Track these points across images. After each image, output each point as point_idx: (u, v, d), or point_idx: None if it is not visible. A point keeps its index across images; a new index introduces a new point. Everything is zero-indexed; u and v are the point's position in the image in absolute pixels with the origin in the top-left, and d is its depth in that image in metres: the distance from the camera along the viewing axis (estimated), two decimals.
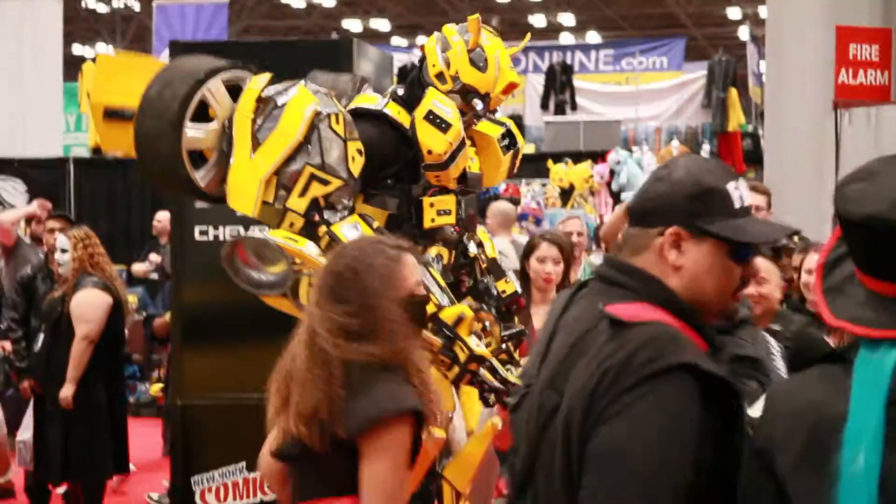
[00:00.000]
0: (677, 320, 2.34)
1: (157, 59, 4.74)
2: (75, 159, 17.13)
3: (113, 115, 4.57)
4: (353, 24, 32.90)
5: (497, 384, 4.32)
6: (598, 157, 17.01)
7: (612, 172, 17.01)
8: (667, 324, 2.31)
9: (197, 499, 6.07)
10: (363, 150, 4.49)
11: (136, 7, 29.97)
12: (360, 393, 3.34)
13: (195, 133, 4.46)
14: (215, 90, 4.50)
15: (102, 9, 30.69)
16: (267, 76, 4.56)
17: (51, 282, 8.43)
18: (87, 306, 7.94)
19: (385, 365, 3.38)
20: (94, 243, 8.16)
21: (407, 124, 4.68)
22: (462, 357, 4.24)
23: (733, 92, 18.60)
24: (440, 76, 4.72)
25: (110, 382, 8.12)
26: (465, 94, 4.73)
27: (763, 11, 27.40)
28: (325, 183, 4.34)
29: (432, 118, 4.63)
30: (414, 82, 4.79)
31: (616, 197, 16.68)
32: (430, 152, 4.64)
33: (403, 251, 3.59)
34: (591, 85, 22.05)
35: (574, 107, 20.73)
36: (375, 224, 4.43)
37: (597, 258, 7.81)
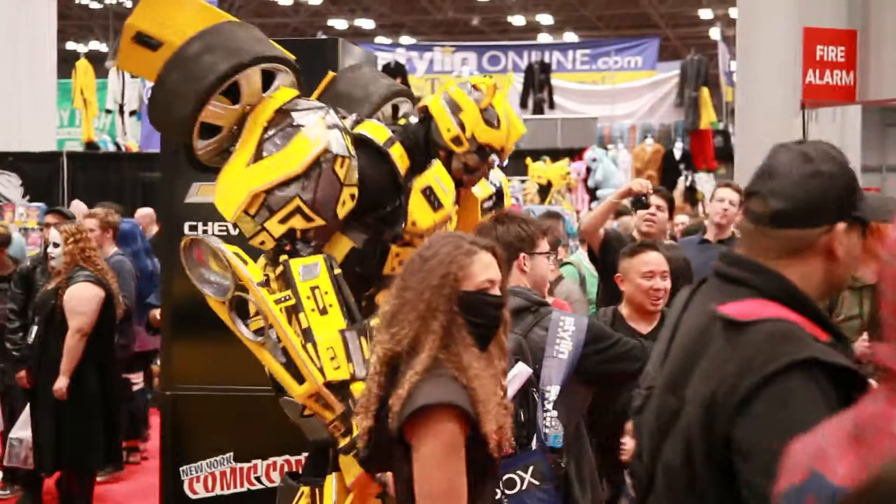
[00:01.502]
0: (795, 313, 2.23)
1: (214, 9, 4.56)
2: (69, 153, 17.06)
3: (141, 40, 4.37)
4: (339, 23, 32.85)
5: None
6: (575, 154, 17.01)
7: (588, 169, 17.01)
8: (783, 319, 2.22)
9: (185, 488, 6.04)
10: (356, 194, 4.42)
11: (129, 3, 29.85)
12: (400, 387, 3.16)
13: (216, 109, 4.37)
14: (251, 76, 4.39)
15: (95, 5, 30.56)
16: (295, 92, 4.48)
17: (49, 275, 8.40)
18: (80, 300, 7.89)
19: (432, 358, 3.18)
20: (86, 238, 8.11)
21: (403, 170, 4.59)
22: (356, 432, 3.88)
23: (705, 91, 18.61)
24: (456, 140, 4.60)
25: (103, 374, 8.08)
26: (481, 150, 4.66)
27: (734, 12, 27.44)
28: (308, 220, 4.29)
29: (428, 194, 4.58)
30: (418, 136, 4.67)
31: (592, 193, 16.66)
32: (414, 223, 4.58)
33: (481, 248, 3.39)
34: (569, 84, 22.03)
35: (552, 105, 20.72)
36: (336, 271, 4.32)
37: (580, 255, 7.73)
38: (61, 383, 7.78)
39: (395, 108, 5.20)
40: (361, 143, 4.55)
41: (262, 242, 4.36)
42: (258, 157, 4.30)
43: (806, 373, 2.09)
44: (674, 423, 2.25)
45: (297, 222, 4.28)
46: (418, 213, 4.57)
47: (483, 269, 3.34)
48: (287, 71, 4.55)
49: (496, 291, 3.37)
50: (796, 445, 1.74)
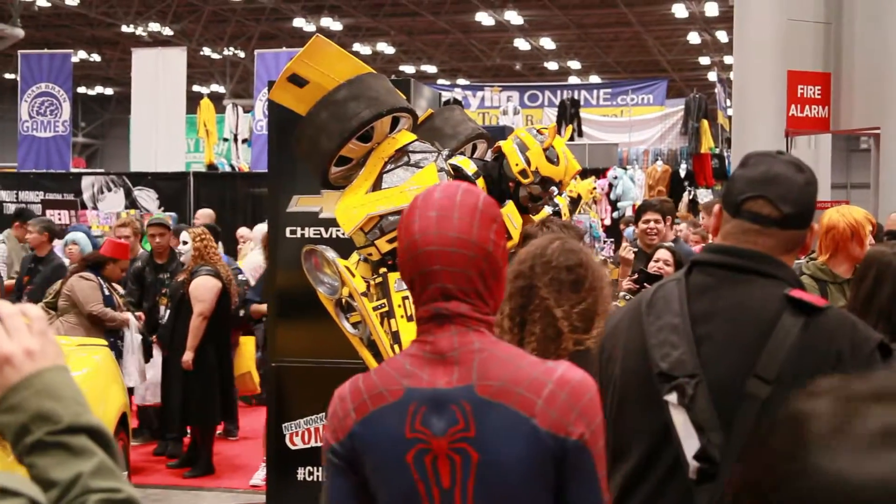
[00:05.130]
0: None
1: (357, 60, 4.57)
2: (194, 173, 17.16)
3: (294, 80, 4.40)
4: (408, 68, 32.86)
5: None
6: (600, 173, 16.86)
7: (610, 185, 16.88)
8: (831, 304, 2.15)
9: (287, 441, 6.02)
10: None
11: (242, 55, 30.02)
12: None
13: (352, 146, 4.38)
14: (384, 121, 4.41)
15: (216, 56, 30.78)
16: (413, 136, 4.49)
17: (156, 271, 8.41)
18: (202, 289, 7.91)
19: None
20: (208, 239, 8.12)
21: None
22: None
23: (705, 122, 18.34)
24: (523, 172, 4.61)
25: (219, 349, 8.08)
26: (543, 182, 4.64)
27: (728, 59, 27.15)
28: None
29: None
30: (492, 173, 4.68)
31: (613, 204, 16.56)
32: None
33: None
34: (594, 116, 21.84)
35: (581, 133, 20.54)
36: None
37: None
38: (187, 357, 7.80)
39: (474, 147, 5.19)
40: (455, 171, 4.53)
41: (370, 254, 4.36)
42: (377, 186, 4.33)
43: (881, 349, 2.08)
44: (768, 406, 1.99)
45: None
46: None
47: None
48: (408, 117, 4.55)
49: None
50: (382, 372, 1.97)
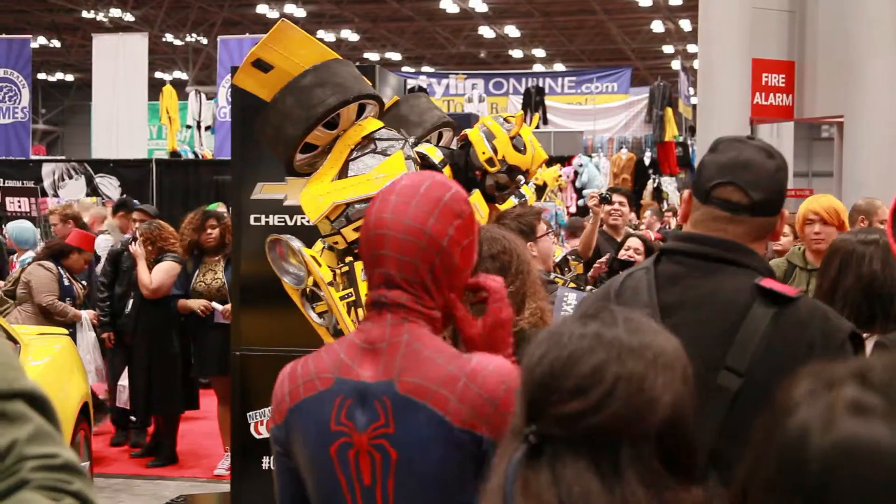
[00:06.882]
0: None
1: (323, 46, 4.49)
2: (157, 160, 16.99)
3: (258, 65, 4.31)
4: (372, 55, 32.73)
5: None
6: (565, 160, 16.88)
7: (575, 173, 16.91)
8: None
9: (251, 430, 5.96)
10: None
11: (205, 41, 29.77)
12: None
13: (317, 133, 4.31)
14: (350, 108, 4.33)
15: (178, 42, 30.50)
16: (380, 124, 4.41)
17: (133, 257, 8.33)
18: (161, 271, 7.87)
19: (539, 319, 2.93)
20: (161, 236, 8.03)
21: None
22: None
23: (669, 110, 18.41)
24: (490, 161, 4.56)
25: (183, 339, 8.00)
26: (510, 171, 4.60)
27: (691, 48, 27.26)
28: None
29: None
30: (458, 161, 4.64)
31: (579, 192, 16.59)
32: None
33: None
34: (559, 104, 21.83)
35: (546, 121, 20.53)
36: None
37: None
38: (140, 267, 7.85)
39: (440, 135, 5.14)
40: (421, 159, 4.47)
41: (336, 242, 4.29)
42: (343, 174, 4.26)
43: (852, 339, 2.03)
44: (739, 398, 1.95)
45: None
46: None
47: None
48: (375, 104, 4.49)
49: None
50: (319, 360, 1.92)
